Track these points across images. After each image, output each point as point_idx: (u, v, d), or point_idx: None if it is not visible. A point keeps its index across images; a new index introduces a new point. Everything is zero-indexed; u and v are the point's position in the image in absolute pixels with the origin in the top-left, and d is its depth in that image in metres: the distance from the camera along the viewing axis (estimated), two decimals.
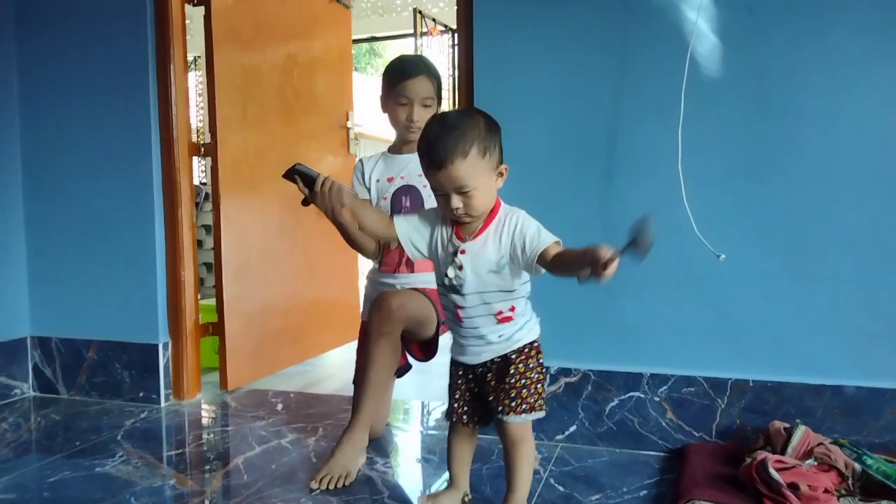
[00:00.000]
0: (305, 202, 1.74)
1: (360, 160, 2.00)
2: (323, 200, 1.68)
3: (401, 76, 1.86)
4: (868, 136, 1.66)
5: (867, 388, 1.68)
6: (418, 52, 1.82)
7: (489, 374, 1.38)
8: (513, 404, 1.34)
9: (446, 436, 1.51)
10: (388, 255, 1.93)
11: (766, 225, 1.74)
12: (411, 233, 1.40)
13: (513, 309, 1.35)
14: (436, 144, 1.25)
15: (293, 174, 1.70)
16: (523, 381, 1.35)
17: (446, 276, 1.34)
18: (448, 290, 1.35)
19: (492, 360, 1.37)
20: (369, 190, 1.95)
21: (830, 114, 1.68)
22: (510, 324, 1.36)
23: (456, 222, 1.35)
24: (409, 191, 1.89)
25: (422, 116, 1.84)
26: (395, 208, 1.90)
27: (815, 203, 1.70)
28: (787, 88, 1.71)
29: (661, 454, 1.82)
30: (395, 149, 1.97)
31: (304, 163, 1.67)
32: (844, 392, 1.69)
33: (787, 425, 1.63)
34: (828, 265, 1.70)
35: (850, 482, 1.47)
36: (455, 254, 1.33)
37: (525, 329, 1.38)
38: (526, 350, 1.37)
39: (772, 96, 1.72)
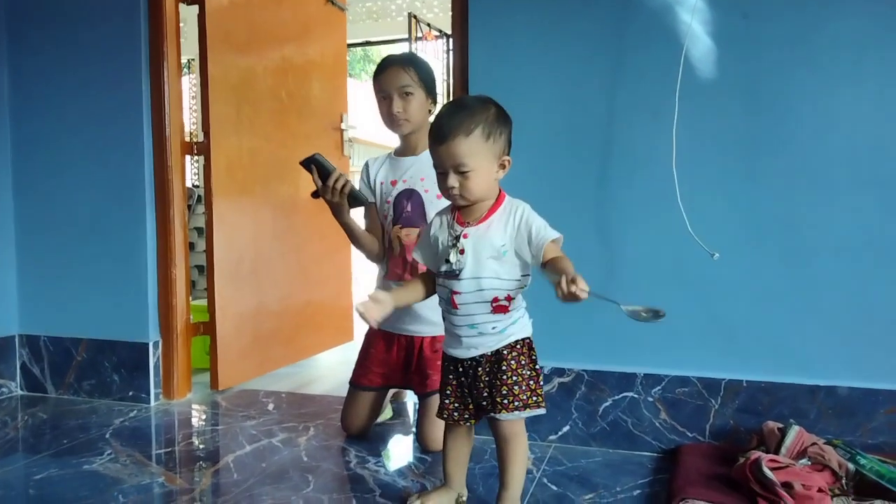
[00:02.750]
0: (315, 194, 1.74)
1: (367, 162, 2.01)
2: (333, 197, 1.69)
3: (376, 73, 1.88)
4: (862, 138, 1.68)
5: (861, 389, 1.68)
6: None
7: (480, 370, 1.37)
8: (504, 401, 1.33)
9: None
10: (392, 261, 1.93)
11: (760, 226, 1.74)
12: (429, 258, 1.42)
13: (508, 298, 1.34)
14: (442, 119, 1.29)
15: (311, 163, 1.70)
16: (515, 377, 1.34)
17: (446, 261, 1.34)
18: (446, 275, 1.35)
19: (483, 356, 1.36)
20: (374, 191, 1.95)
21: (824, 116, 1.70)
22: (504, 315, 1.35)
23: (457, 209, 1.35)
24: (410, 195, 1.89)
25: (403, 107, 1.84)
26: (398, 211, 1.89)
27: (809, 204, 1.71)
28: (781, 91, 1.72)
29: (655, 454, 1.81)
30: (400, 151, 1.97)
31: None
32: (838, 393, 1.69)
33: (780, 425, 1.63)
34: (821, 266, 1.71)
35: (843, 482, 1.47)
36: (458, 238, 1.33)
37: (518, 324, 1.37)
38: (518, 346, 1.36)
39: (766, 98, 1.73)
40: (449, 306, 1.37)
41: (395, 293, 1.40)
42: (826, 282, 1.71)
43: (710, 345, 1.79)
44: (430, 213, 1.85)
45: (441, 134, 1.27)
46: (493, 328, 1.35)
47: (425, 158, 1.82)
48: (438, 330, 1.86)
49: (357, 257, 2.32)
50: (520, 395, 1.34)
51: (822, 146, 1.70)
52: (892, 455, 1.57)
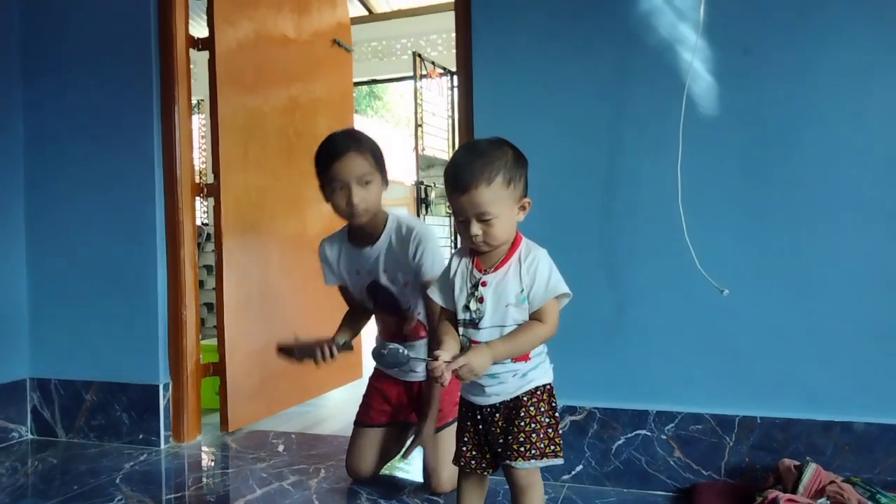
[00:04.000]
0: (288, 352, 1.80)
1: (323, 245, 1.93)
2: (328, 362, 1.76)
3: (328, 158, 1.69)
4: (867, 168, 1.68)
5: (878, 425, 1.66)
6: (348, 127, 1.65)
7: (497, 415, 1.33)
8: (521, 449, 1.29)
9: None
10: (383, 326, 1.96)
11: (769, 259, 1.74)
12: (448, 300, 1.36)
13: None
14: (461, 169, 1.26)
15: (291, 352, 1.73)
16: (533, 424, 1.30)
17: (466, 308, 1.31)
18: (465, 324, 1.32)
19: (502, 402, 1.32)
20: (340, 275, 1.93)
21: (829, 147, 1.70)
22: (525, 362, 1.32)
23: (476, 254, 1.33)
24: (377, 289, 1.86)
25: (363, 197, 1.69)
26: (374, 300, 1.90)
27: (817, 236, 1.71)
28: (784, 123, 1.73)
29: (670, 494, 1.78)
30: (356, 240, 1.86)
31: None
32: (854, 429, 1.67)
33: (797, 463, 1.60)
34: (833, 299, 1.70)
35: None
36: (476, 286, 1.30)
37: (539, 369, 1.34)
38: (538, 393, 1.33)
39: (770, 131, 1.74)
40: None
41: (448, 346, 1.31)
42: (838, 315, 1.70)
43: (722, 380, 1.78)
44: (403, 298, 1.85)
45: (462, 185, 1.25)
46: (514, 374, 1.31)
47: (383, 245, 1.81)
48: None
49: None
50: (537, 444, 1.30)
51: (828, 178, 1.70)
52: None
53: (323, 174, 1.73)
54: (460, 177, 1.25)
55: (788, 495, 1.48)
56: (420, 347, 1.88)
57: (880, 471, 1.64)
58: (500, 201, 1.26)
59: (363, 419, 1.97)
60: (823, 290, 1.71)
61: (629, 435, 1.83)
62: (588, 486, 1.84)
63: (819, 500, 1.47)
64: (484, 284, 1.30)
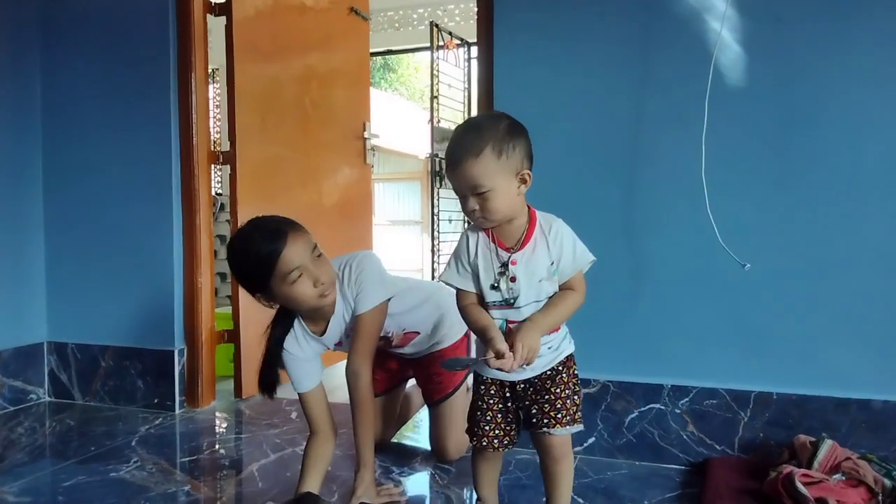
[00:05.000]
0: None
1: (292, 359, 1.62)
2: None
3: (271, 255, 1.43)
4: (894, 144, 1.64)
5: (895, 403, 1.64)
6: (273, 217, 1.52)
7: (531, 389, 1.31)
8: (558, 415, 1.28)
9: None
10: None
11: (791, 235, 1.71)
12: (465, 282, 1.31)
13: None
14: (452, 143, 1.25)
15: None
16: (566, 391, 1.30)
17: (497, 289, 1.27)
18: (498, 306, 1.28)
19: (537, 376, 1.31)
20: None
21: (857, 124, 1.67)
22: (557, 333, 1.31)
23: (494, 233, 1.29)
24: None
25: (323, 270, 1.49)
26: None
27: (841, 213, 1.68)
28: (813, 98, 1.69)
29: (683, 468, 1.78)
30: (312, 327, 1.62)
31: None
32: (871, 406, 1.66)
33: (812, 439, 1.59)
34: (853, 276, 1.68)
35: (879, 498, 1.43)
36: (505, 266, 1.26)
37: (567, 339, 1.34)
38: (568, 361, 1.33)
39: (797, 106, 1.70)
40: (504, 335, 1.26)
41: (496, 334, 1.25)
42: (859, 292, 1.67)
43: (738, 356, 1.76)
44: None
45: (453, 159, 1.24)
46: (549, 347, 1.30)
47: (339, 318, 1.61)
48: (437, 346, 1.86)
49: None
50: (570, 409, 1.30)
51: (855, 153, 1.67)
52: None
53: (269, 275, 1.45)
54: (451, 152, 1.24)
55: (803, 470, 1.47)
56: (420, 343, 1.86)
57: None
58: (493, 174, 1.21)
59: None
60: (844, 267, 1.68)
61: (643, 409, 1.83)
62: (600, 458, 1.85)
63: (834, 476, 1.47)
64: (514, 263, 1.26)
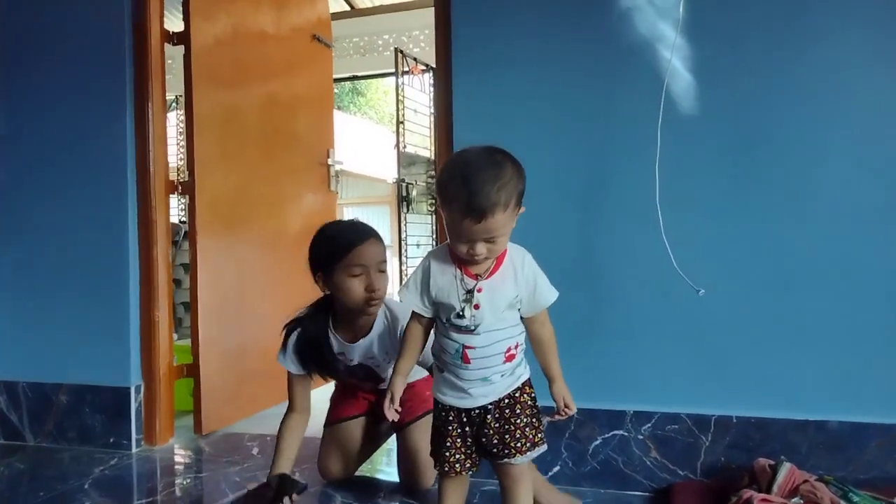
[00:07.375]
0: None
1: (326, 340, 1.79)
2: None
3: (349, 244, 1.64)
4: (847, 166, 1.68)
5: (850, 423, 1.66)
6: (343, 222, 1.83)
7: (489, 417, 1.32)
8: (518, 444, 1.31)
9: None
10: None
11: (747, 258, 1.74)
12: (426, 307, 1.34)
13: (517, 346, 1.34)
14: (477, 196, 1.18)
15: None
16: (524, 419, 1.33)
17: (460, 316, 1.28)
18: (460, 330, 1.29)
19: (492, 403, 1.32)
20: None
21: (808, 145, 1.70)
22: (513, 361, 1.33)
23: (463, 263, 1.29)
24: (362, 368, 1.82)
25: (381, 283, 1.66)
26: (354, 376, 1.85)
27: (794, 236, 1.71)
28: (764, 121, 1.73)
29: (647, 494, 1.78)
30: (343, 332, 1.77)
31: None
32: (828, 427, 1.68)
33: (771, 462, 1.60)
34: (808, 298, 1.71)
35: None
36: (471, 293, 1.28)
37: (523, 365, 1.37)
38: (525, 387, 1.35)
39: (749, 129, 1.74)
40: (459, 361, 1.30)
41: (400, 376, 1.36)
42: (813, 314, 1.70)
43: (699, 380, 1.77)
44: (382, 369, 1.80)
45: (478, 212, 1.18)
46: (503, 374, 1.32)
47: (375, 334, 1.73)
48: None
49: None
50: (530, 436, 1.33)
51: (807, 174, 1.71)
52: (885, 490, 1.55)
53: (338, 259, 1.64)
54: (476, 204, 1.18)
55: (763, 495, 1.48)
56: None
57: (853, 468, 1.65)
58: (509, 221, 1.25)
59: (334, 418, 1.96)
60: (800, 288, 1.71)
61: (606, 435, 1.82)
62: (565, 487, 1.83)
63: (793, 500, 1.47)
64: (480, 290, 1.28)
